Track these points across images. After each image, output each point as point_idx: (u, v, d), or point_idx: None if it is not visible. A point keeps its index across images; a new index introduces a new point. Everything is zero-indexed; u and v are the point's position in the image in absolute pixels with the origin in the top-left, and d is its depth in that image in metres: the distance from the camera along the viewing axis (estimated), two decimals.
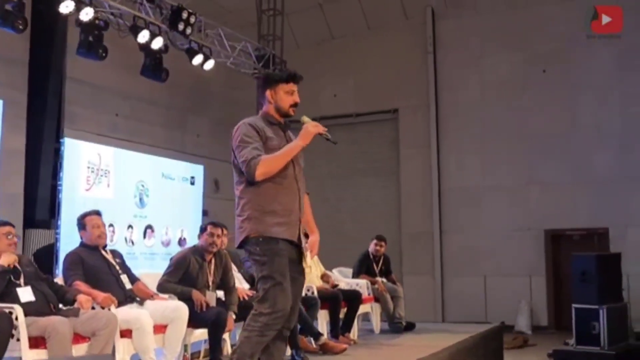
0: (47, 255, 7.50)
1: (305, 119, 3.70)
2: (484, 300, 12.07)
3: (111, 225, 7.02)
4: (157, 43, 8.23)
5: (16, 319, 3.86)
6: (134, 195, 8.25)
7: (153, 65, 8.50)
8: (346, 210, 12.87)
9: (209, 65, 9.22)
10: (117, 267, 4.83)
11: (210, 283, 5.16)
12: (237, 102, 13.20)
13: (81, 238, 4.91)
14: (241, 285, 5.67)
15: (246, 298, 5.41)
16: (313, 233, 3.87)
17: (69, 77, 8.95)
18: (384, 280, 7.62)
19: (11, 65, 8.64)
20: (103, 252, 4.86)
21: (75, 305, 4.27)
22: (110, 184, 7.87)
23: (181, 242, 9.01)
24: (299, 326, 5.28)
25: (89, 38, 7.62)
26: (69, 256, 4.78)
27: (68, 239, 7.27)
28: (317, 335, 5.79)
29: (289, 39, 12.38)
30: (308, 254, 3.72)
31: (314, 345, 5.76)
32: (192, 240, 9.14)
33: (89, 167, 7.63)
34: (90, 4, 7.37)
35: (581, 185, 11.44)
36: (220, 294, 5.32)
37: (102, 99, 10.42)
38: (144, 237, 8.39)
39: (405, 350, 6.12)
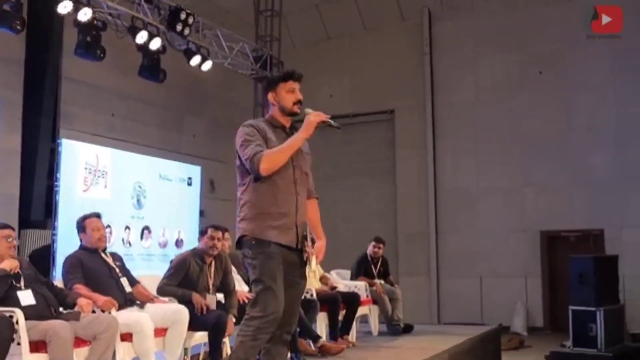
0: (43, 257, 7.44)
1: (308, 110, 3.67)
2: (479, 301, 12.07)
3: (108, 226, 6.96)
4: (155, 44, 8.21)
5: (17, 322, 3.83)
6: (131, 196, 8.21)
7: (151, 66, 8.48)
8: (342, 211, 12.86)
9: (207, 66, 9.20)
10: (117, 270, 4.81)
11: (211, 286, 5.15)
12: (233, 102, 13.18)
13: (81, 241, 4.88)
14: (241, 287, 5.65)
15: (246, 301, 5.38)
16: (319, 238, 3.86)
17: (65, 76, 8.91)
18: (382, 282, 7.62)
19: (7, 65, 8.60)
20: (103, 255, 4.84)
21: (76, 308, 4.24)
22: (108, 185, 7.82)
23: (178, 243, 8.98)
24: (297, 329, 5.27)
25: (87, 38, 7.59)
26: (68, 259, 4.75)
27: (65, 241, 7.24)
28: (315, 337, 5.80)
29: (285, 39, 12.37)
30: (314, 259, 3.69)
31: (313, 348, 5.76)
32: (190, 241, 9.12)
33: (86, 168, 7.58)
34: (89, 5, 7.33)
35: (577, 187, 11.46)
36: (220, 296, 5.30)
37: (98, 98, 10.36)
38: (141, 238, 8.35)
39: (404, 353, 6.13)
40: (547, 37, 11.83)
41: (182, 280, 5.08)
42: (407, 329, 7.37)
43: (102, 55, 7.89)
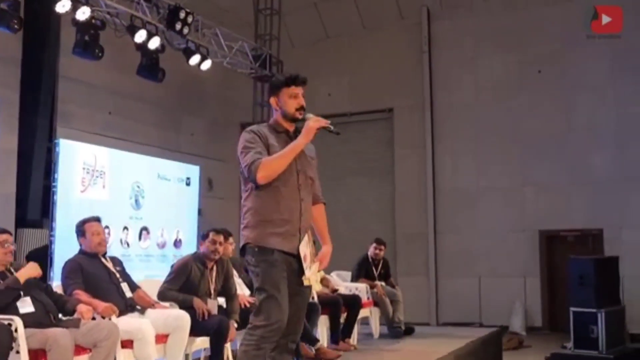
0: (41, 258, 7.35)
1: (309, 115, 3.61)
2: (478, 301, 12.03)
3: (107, 227, 6.86)
4: (154, 43, 8.12)
5: (15, 330, 3.76)
6: (129, 196, 8.13)
7: (149, 65, 8.40)
8: (340, 211, 12.78)
9: (206, 65, 9.12)
10: (118, 275, 4.74)
11: (212, 291, 5.08)
12: (232, 101, 13.12)
13: (80, 245, 4.81)
14: (242, 291, 5.59)
15: (247, 305, 5.33)
16: (326, 244, 3.80)
17: (62, 75, 8.83)
18: (383, 284, 7.57)
19: (4, 64, 8.53)
20: (103, 260, 4.77)
21: (76, 315, 4.17)
22: (106, 185, 7.75)
23: (177, 243, 8.91)
24: None
25: (85, 37, 7.50)
26: (68, 264, 4.68)
27: (62, 242, 7.18)
28: (313, 341, 5.75)
29: (284, 38, 12.29)
30: (313, 266, 3.60)
31: (313, 352, 5.71)
32: (188, 241, 9.07)
33: (84, 168, 7.50)
34: (87, 3, 7.25)
35: (576, 187, 11.42)
36: (222, 301, 5.24)
37: (96, 97, 10.29)
38: (140, 238, 8.28)
39: (406, 356, 6.10)
40: (546, 36, 11.77)
41: (183, 285, 5.02)
42: (409, 332, 7.33)
43: (100, 54, 7.81)
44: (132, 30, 7.85)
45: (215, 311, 4.96)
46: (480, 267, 11.98)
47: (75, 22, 7.46)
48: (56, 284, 4.79)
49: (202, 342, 4.94)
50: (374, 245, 7.72)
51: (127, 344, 4.27)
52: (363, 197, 13.04)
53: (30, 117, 8.47)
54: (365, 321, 7.31)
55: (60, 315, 4.23)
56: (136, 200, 8.19)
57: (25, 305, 4.04)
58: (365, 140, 13.08)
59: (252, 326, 3.43)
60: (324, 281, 6.80)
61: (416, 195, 12.60)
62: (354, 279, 7.53)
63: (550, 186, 11.63)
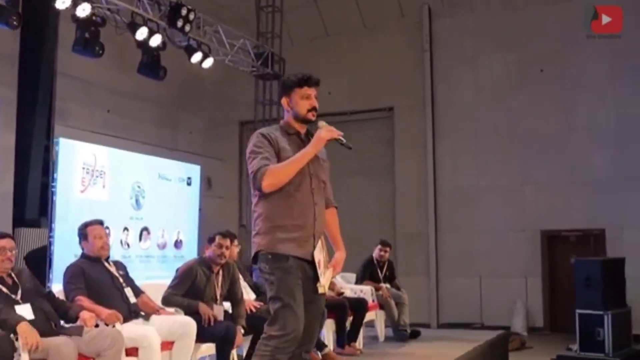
0: (40, 259, 7.24)
1: (322, 123, 3.50)
2: (479, 301, 11.96)
3: (107, 227, 6.72)
4: (156, 40, 7.98)
5: (17, 339, 3.64)
6: (129, 196, 7.99)
7: (151, 63, 8.26)
8: (340, 211, 12.65)
9: (208, 63, 8.99)
10: (121, 280, 4.61)
11: (218, 296, 4.96)
12: (231, 100, 13.01)
13: (82, 249, 4.69)
14: (247, 295, 5.47)
15: (253, 310, 5.22)
16: (339, 249, 3.69)
17: (59, 73, 8.69)
18: (388, 286, 7.47)
19: (1, 61, 8.39)
20: (106, 264, 4.64)
21: (78, 322, 4.04)
22: (106, 185, 7.61)
23: (177, 244, 8.78)
24: None
25: (86, 35, 7.36)
26: (70, 268, 4.55)
27: (61, 243, 7.06)
28: (321, 346, 5.66)
29: (284, 36, 12.16)
30: (327, 272, 3.49)
31: (320, 356, 5.62)
32: (189, 242, 8.95)
33: (84, 168, 7.36)
34: (87, 0, 7.09)
35: (577, 186, 11.35)
36: (227, 306, 5.12)
37: (94, 95, 10.17)
38: (140, 239, 8.15)
39: None
40: (546, 36, 11.70)
41: (188, 289, 4.89)
42: (414, 335, 7.23)
43: (100, 51, 7.67)
44: (133, 27, 7.71)
45: (221, 317, 4.85)
46: (481, 267, 11.91)
47: (75, 19, 7.32)
48: (57, 290, 4.63)
49: (208, 349, 4.83)
50: (379, 247, 7.62)
51: (132, 351, 4.14)
52: (363, 197, 12.93)
53: (28, 115, 8.33)
54: (370, 324, 7.20)
55: (62, 323, 4.10)
56: (136, 201, 8.05)
57: (26, 313, 3.90)
58: (365, 140, 12.95)
59: (266, 336, 3.30)
60: (330, 284, 6.68)
61: (416, 195, 12.51)
62: (359, 281, 7.43)
63: (551, 186, 11.56)
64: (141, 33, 7.75)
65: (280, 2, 11.42)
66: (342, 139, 3.45)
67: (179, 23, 7.87)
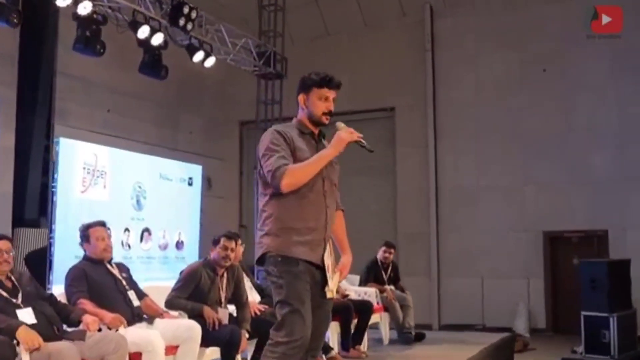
0: (39, 260, 7.16)
1: (340, 125, 3.40)
2: (481, 302, 11.89)
3: (107, 228, 6.67)
4: (157, 39, 7.87)
5: (18, 344, 3.55)
6: (130, 197, 7.91)
7: (152, 62, 8.16)
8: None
9: (210, 62, 8.88)
10: (124, 283, 4.52)
11: (223, 299, 4.87)
12: (232, 99, 12.92)
13: (85, 251, 4.60)
14: (252, 298, 5.39)
15: (258, 313, 5.13)
16: (345, 253, 3.59)
17: (59, 72, 8.60)
18: (393, 288, 7.39)
19: (0, 61, 8.28)
20: (109, 267, 4.55)
21: (81, 326, 3.94)
22: (107, 185, 7.52)
23: (179, 245, 8.69)
24: None
25: (87, 33, 7.25)
26: (71, 271, 4.46)
27: (61, 244, 6.98)
28: (326, 349, 5.59)
29: (285, 35, 12.08)
30: (334, 277, 3.40)
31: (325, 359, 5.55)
32: (190, 243, 8.86)
33: (84, 168, 7.28)
34: None
35: (578, 186, 11.29)
36: (231, 308, 5.03)
37: (94, 95, 10.09)
38: (141, 240, 8.06)
39: None
40: (547, 35, 11.64)
41: (192, 292, 4.80)
42: (419, 338, 7.15)
43: (102, 50, 7.56)
44: (135, 25, 7.60)
45: (226, 320, 4.75)
46: (483, 268, 11.83)
47: (76, 17, 7.22)
48: (59, 293, 4.53)
49: (212, 353, 4.73)
50: (384, 248, 7.53)
51: (136, 356, 4.04)
52: (364, 197, 12.84)
53: (27, 114, 8.26)
54: (375, 326, 7.12)
55: (64, 327, 4.01)
56: (137, 201, 7.97)
57: (27, 317, 3.81)
58: (366, 139, 12.85)
59: (273, 342, 3.21)
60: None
61: (418, 194, 12.44)
62: (363, 283, 7.35)
63: (552, 186, 11.50)
64: (143, 31, 7.65)
65: (283, 1, 11.33)
66: (363, 141, 3.36)
67: (181, 21, 7.76)
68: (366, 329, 6.39)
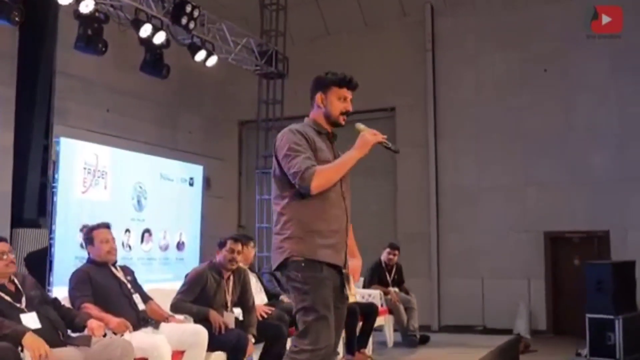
0: (40, 261, 7.07)
1: (360, 126, 3.32)
2: (481, 302, 11.84)
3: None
4: (159, 38, 7.78)
5: (22, 350, 3.46)
6: (131, 197, 7.82)
7: (154, 61, 8.06)
8: None
9: (212, 61, 8.80)
10: (129, 286, 4.43)
11: (229, 302, 4.78)
12: (232, 98, 12.85)
13: (89, 254, 4.51)
14: (259, 299, 5.30)
15: (265, 316, 5.05)
16: (354, 256, 3.51)
17: (58, 71, 8.51)
18: (397, 290, 7.32)
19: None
20: (113, 269, 4.46)
21: (86, 331, 3.85)
22: (108, 185, 7.43)
23: (180, 246, 8.61)
24: None
25: (88, 31, 7.16)
26: (75, 274, 4.37)
27: (62, 244, 6.90)
28: None
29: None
30: (351, 280, 3.35)
31: None
32: (191, 244, 8.78)
33: (85, 168, 7.19)
34: None
35: (579, 186, 11.24)
36: (237, 312, 4.95)
37: (93, 94, 10.01)
38: (142, 241, 7.97)
39: None
40: (547, 35, 11.60)
41: (198, 296, 4.71)
42: (424, 340, 7.08)
43: (104, 49, 7.48)
44: (137, 24, 7.51)
45: (232, 325, 4.67)
46: (483, 268, 11.78)
47: (78, 15, 7.13)
48: (62, 297, 4.44)
49: (218, 358, 4.64)
50: (388, 250, 7.46)
51: None
52: (364, 197, 12.75)
53: (26, 114, 8.14)
54: (379, 329, 7.05)
55: (68, 332, 3.92)
56: (138, 201, 7.88)
57: (31, 322, 3.72)
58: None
59: (297, 350, 3.09)
60: None
61: (418, 194, 12.39)
62: (367, 285, 7.27)
63: (552, 186, 11.45)
64: (145, 30, 7.56)
65: (285, 0, 11.25)
66: (388, 142, 3.29)
67: (184, 20, 7.67)
68: (371, 332, 6.32)
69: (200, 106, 12.56)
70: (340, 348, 5.81)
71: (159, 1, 7.68)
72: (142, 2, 7.47)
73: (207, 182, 11.88)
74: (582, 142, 11.28)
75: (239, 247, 4.84)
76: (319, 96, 3.37)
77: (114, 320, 4.01)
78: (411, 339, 6.98)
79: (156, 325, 4.34)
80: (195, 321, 4.57)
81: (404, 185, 12.61)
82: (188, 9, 7.69)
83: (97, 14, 7.17)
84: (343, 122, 3.37)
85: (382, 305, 6.90)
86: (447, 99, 12.33)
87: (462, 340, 7.67)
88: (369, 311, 6.29)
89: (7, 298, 3.82)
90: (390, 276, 7.41)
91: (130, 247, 7.71)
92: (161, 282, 7.27)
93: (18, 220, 7.90)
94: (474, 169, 12.08)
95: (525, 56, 11.78)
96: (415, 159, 12.48)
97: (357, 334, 6.15)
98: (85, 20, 7.15)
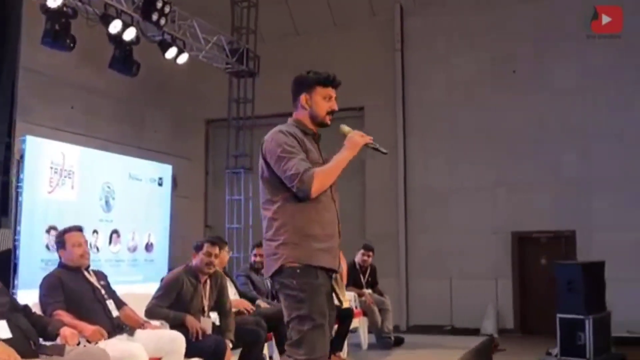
0: (3, 263, 6.80)
1: (345, 128, 3.25)
2: (449, 303, 11.88)
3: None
4: (130, 34, 7.58)
5: None
6: (99, 197, 7.60)
7: (123, 58, 7.85)
8: None
9: (183, 59, 8.62)
10: (103, 292, 4.27)
11: (206, 307, 4.65)
12: (201, 96, 12.64)
13: (60, 258, 4.32)
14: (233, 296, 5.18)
15: (250, 312, 4.93)
16: (341, 260, 3.44)
17: (23, 67, 8.23)
18: (371, 292, 7.26)
19: None
20: (86, 274, 4.29)
21: (59, 340, 3.68)
22: (75, 185, 7.20)
23: (148, 247, 8.41)
24: None
25: (56, 27, 6.92)
26: (46, 280, 4.19)
27: (27, 246, 6.67)
28: None
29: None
30: (342, 285, 3.28)
31: None
32: (160, 245, 8.59)
33: (51, 168, 6.95)
34: None
35: (548, 187, 11.37)
36: (214, 316, 4.82)
37: (57, 91, 9.73)
38: (110, 242, 7.76)
39: None
40: (519, 36, 11.69)
41: (174, 301, 4.57)
42: (398, 342, 7.03)
43: (72, 45, 7.25)
44: (106, 19, 7.30)
45: (209, 330, 4.55)
46: (452, 269, 11.84)
47: (45, 10, 6.89)
48: (29, 300, 4.25)
49: None
50: (362, 251, 7.39)
51: None
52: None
53: None
54: (353, 330, 6.98)
55: (41, 341, 3.74)
56: (106, 202, 7.66)
57: (1, 331, 3.54)
58: (334, 139, 12.71)
59: None
60: None
61: (387, 194, 12.38)
62: None
63: (521, 187, 11.56)
64: (114, 26, 7.35)
65: None
66: (375, 143, 3.25)
67: (154, 16, 7.49)
68: (347, 335, 6.24)
69: (167, 104, 12.33)
70: None
71: None
72: None
73: (174, 182, 11.68)
74: (551, 143, 11.40)
75: (216, 250, 4.71)
76: (303, 97, 3.27)
77: (89, 328, 3.85)
78: (386, 340, 6.93)
79: (131, 332, 4.19)
80: (172, 327, 4.43)
81: (373, 185, 12.58)
82: (159, 4, 7.51)
83: (65, 9, 6.94)
84: (329, 122, 3.28)
85: (356, 307, 6.82)
86: (417, 98, 12.33)
87: (435, 342, 7.65)
88: (345, 314, 6.20)
89: None
90: (364, 278, 7.34)
91: (98, 248, 7.49)
92: (130, 284, 7.07)
93: None
94: (443, 169, 12.11)
95: (495, 56, 11.85)
96: (384, 159, 12.36)
97: (332, 336, 6.06)
98: (52, 15, 6.92)
